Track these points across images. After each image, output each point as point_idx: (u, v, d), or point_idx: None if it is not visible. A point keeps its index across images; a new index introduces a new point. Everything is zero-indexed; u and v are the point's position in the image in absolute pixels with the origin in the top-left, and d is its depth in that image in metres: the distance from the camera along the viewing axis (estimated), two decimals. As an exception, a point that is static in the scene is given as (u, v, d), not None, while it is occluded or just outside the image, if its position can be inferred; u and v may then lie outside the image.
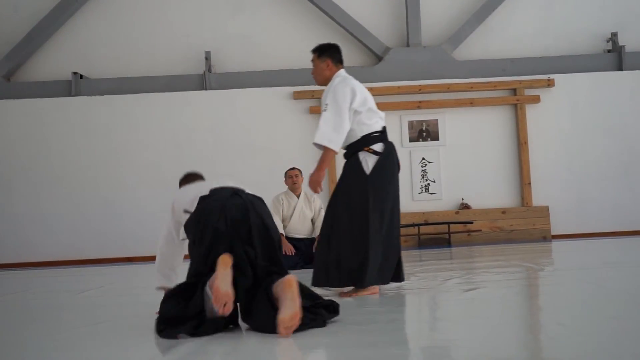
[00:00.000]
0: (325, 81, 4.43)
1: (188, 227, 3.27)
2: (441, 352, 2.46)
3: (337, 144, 4.18)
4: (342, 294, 4.17)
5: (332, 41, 4.71)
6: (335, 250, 4.14)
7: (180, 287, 3.13)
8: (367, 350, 2.50)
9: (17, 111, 10.72)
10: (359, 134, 4.25)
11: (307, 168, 9.25)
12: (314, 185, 4.22)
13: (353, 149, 4.27)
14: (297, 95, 10.64)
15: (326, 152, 4.19)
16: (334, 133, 4.15)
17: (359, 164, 4.20)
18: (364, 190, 4.15)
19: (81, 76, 10.91)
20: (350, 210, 4.16)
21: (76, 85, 10.84)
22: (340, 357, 2.51)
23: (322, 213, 6.98)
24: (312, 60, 4.50)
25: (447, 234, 10.43)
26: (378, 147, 4.24)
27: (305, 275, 4.45)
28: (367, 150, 4.22)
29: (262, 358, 2.49)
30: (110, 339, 3.08)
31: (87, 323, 3.58)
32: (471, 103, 10.77)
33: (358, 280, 4.12)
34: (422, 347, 2.56)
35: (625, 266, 5.34)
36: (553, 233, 10.64)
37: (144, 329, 3.19)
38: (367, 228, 4.11)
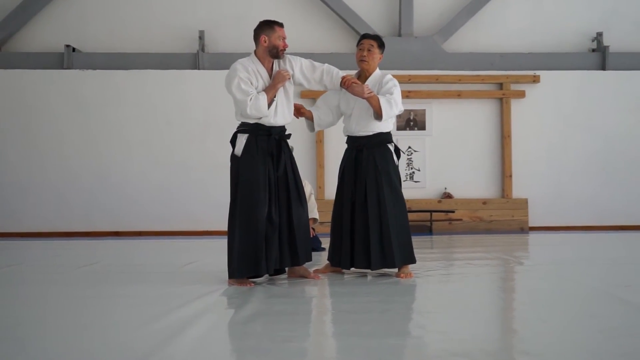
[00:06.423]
0: (372, 70, 4.87)
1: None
2: (435, 344, 2.68)
3: (386, 115, 4.66)
4: (398, 274, 4.66)
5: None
6: (400, 230, 4.67)
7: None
8: (366, 339, 2.72)
9: (7, 81, 10.74)
10: (389, 128, 4.82)
11: (298, 151, 9.45)
12: (355, 87, 4.64)
13: (381, 139, 4.78)
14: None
15: (376, 104, 4.61)
16: (391, 110, 4.66)
17: (391, 153, 4.79)
18: (398, 176, 4.80)
19: (74, 49, 10.93)
20: (399, 194, 4.75)
21: (68, 58, 10.86)
22: (342, 346, 2.72)
23: (312, 198, 7.16)
24: (371, 47, 4.88)
25: (429, 221, 10.72)
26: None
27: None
28: (391, 144, 4.83)
29: (264, 344, 2.70)
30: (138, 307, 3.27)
31: (105, 295, 3.77)
32: (458, 95, 11.00)
33: (412, 257, 4.76)
34: (416, 338, 2.78)
35: (601, 263, 5.63)
36: (530, 225, 10.98)
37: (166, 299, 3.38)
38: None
